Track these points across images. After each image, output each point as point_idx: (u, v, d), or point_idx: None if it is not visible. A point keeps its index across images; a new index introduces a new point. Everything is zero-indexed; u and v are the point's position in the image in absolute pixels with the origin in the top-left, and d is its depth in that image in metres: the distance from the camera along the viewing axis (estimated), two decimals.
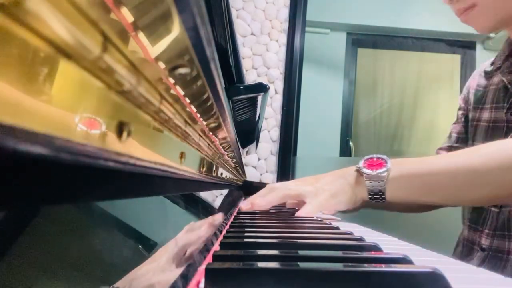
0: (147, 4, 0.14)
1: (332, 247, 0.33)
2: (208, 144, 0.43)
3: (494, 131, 0.76)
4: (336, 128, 2.75)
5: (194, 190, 0.50)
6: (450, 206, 0.84)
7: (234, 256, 0.27)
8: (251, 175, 1.90)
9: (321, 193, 0.62)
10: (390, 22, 2.71)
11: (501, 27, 0.72)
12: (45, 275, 0.15)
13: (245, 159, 1.87)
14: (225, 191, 1.10)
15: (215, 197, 1.65)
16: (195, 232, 0.34)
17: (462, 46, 2.82)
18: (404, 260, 0.27)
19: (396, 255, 0.28)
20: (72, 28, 0.11)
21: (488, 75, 0.84)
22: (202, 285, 0.23)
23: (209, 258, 0.28)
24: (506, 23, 0.71)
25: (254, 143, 1.04)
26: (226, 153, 0.59)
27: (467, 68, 2.78)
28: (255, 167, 1.93)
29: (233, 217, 0.59)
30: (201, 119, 0.31)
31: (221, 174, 0.66)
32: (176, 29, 0.16)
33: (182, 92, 0.23)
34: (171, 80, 0.20)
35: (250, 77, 1.93)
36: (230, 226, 0.47)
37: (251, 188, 1.14)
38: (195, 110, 0.28)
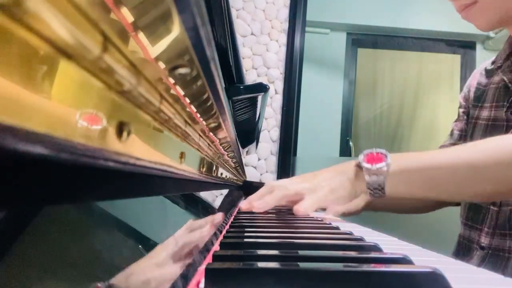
0: (147, 4, 0.14)
1: (332, 247, 0.33)
2: (208, 144, 0.43)
3: (494, 130, 0.77)
4: (336, 128, 2.75)
5: (194, 190, 0.50)
6: (450, 201, 0.84)
7: (234, 256, 0.27)
8: (251, 175, 1.90)
9: (320, 189, 0.62)
10: (390, 22, 2.71)
11: (502, 25, 0.72)
12: (45, 275, 0.15)
13: (245, 159, 1.87)
14: (225, 191, 1.10)
15: (215, 197, 1.66)
16: (194, 230, 0.34)
17: (462, 46, 2.82)
18: (404, 260, 0.27)
19: (396, 255, 0.28)
20: (72, 28, 0.11)
21: (489, 73, 0.84)
22: (202, 285, 0.23)
23: (209, 258, 0.28)
24: (506, 21, 0.71)
25: (254, 143, 1.04)
26: (226, 153, 0.59)
27: (467, 68, 2.78)
28: (255, 167, 1.93)
29: (233, 217, 0.58)
30: (201, 119, 0.31)
31: (221, 174, 0.66)
32: (176, 29, 0.16)
33: (182, 92, 0.23)
34: (171, 80, 0.20)
35: (250, 77, 1.93)
36: (230, 226, 0.47)
37: (251, 188, 1.13)
38: (195, 110, 0.28)
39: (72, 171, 0.13)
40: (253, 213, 0.63)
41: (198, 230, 0.35)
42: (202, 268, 0.25)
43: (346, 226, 0.57)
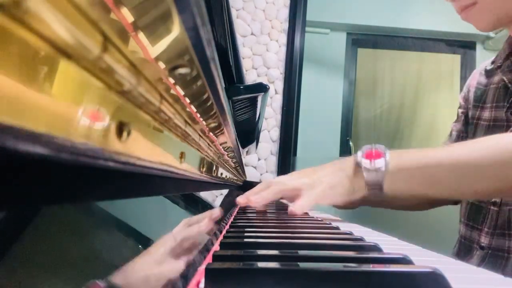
0: (147, 4, 0.14)
1: (332, 247, 0.33)
2: (208, 144, 0.43)
3: (495, 130, 0.76)
4: (336, 128, 2.75)
5: (194, 190, 0.50)
6: (449, 199, 0.83)
7: (234, 256, 0.27)
8: (251, 175, 1.90)
9: (319, 185, 0.62)
10: (390, 22, 2.71)
11: (502, 25, 0.72)
12: (45, 275, 0.15)
13: (245, 159, 1.87)
14: (225, 191, 1.10)
15: (215, 197, 1.66)
16: (192, 227, 0.34)
17: (462, 46, 2.82)
18: (404, 260, 0.27)
19: (396, 255, 0.28)
20: (72, 28, 0.11)
21: (488, 73, 0.84)
22: (202, 285, 0.23)
23: (209, 258, 0.28)
24: (506, 22, 0.71)
25: (254, 143, 1.04)
26: (226, 153, 0.59)
27: (467, 68, 2.78)
28: (255, 167, 1.93)
29: (233, 217, 0.58)
30: (201, 119, 0.31)
31: (221, 174, 0.66)
32: (176, 29, 0.16)
33: (182, 92, 0.23)
34: (171, 80, 0.20)
35: (250, 77, 1.93)
36: (230, 226, 0.47)
37: (251, 188, 1.13)
38: (195, 110, 0.28)
39: (72, 171, 0.13)
40: (253, 213, 0.63)
41: (196, 225, 0.35)
42: (202, 268, 0.25)
43: (346, 226, 0.57)
